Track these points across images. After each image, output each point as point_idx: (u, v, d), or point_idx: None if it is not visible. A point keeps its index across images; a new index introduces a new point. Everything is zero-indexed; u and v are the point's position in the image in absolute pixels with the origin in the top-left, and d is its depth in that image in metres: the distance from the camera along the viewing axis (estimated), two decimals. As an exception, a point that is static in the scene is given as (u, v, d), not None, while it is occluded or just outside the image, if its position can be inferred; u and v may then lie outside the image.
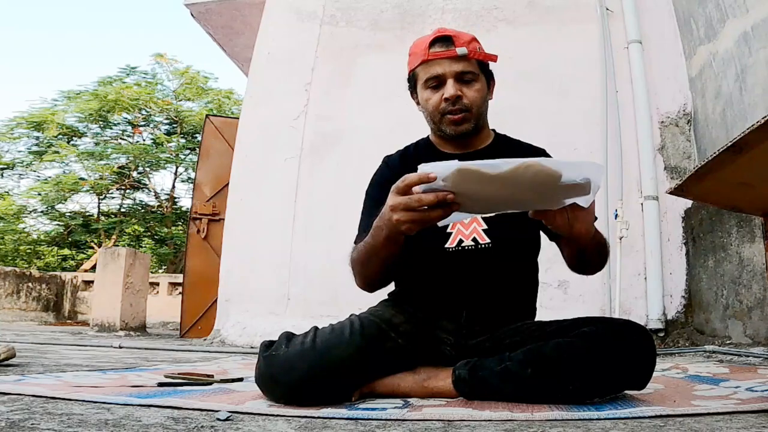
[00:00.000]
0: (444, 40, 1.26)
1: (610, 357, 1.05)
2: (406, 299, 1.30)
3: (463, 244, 1.25)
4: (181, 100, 14.77)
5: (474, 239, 1.24)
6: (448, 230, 1.25)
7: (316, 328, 1.16)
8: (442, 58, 1.24)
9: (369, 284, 1.23)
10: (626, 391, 1.15)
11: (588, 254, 1.15)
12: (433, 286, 1.27)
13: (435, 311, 1.26)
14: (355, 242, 1.25)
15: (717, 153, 0.80)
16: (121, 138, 14.88)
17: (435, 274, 1.27)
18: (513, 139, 1.39)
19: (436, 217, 0.94)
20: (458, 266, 1.24)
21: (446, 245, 1.25)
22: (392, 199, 0.98)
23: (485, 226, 1.25)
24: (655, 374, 1.14)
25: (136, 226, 14.73)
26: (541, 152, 1.38)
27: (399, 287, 1.36)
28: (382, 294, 1.38)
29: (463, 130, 1.27)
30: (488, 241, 1.24)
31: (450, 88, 1.24)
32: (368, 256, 1.14)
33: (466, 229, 1.25)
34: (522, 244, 1.31)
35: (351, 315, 1.24)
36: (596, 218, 1.07)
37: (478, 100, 1.27)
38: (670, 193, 0.96)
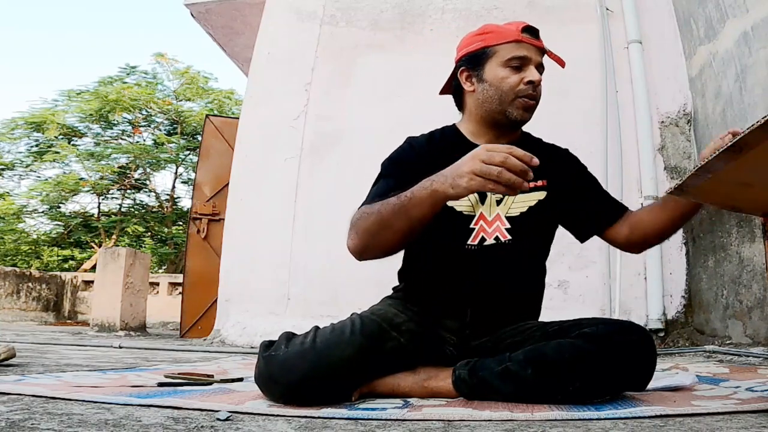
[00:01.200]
0: (533, 30, 1.28)
1: (611, 358, 1.05)
2: (412, 296, 1.29)
3: (484, 243, 1.25)
4: (181, 101, 14.78)
5: (496, 237, 1.25)
6: (471, 226, 1.25)
7: (316, 328, 1.15)
8: (532, 44, 1.25)
9: (373, 248, 1.13)
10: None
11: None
12: (445, 282, 1.26)
13: (440, 310, 1.25)
14: (361, 204, 1.20)
15: (717, 153, 0.79)
16: (121, 138, 14.89)
17: (450, 270, 1.26)
18: (535, 137, 1.41)
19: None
20: (474, 263, 1.24)
21: (468, 242, 1.25)
22: (485, 153, 0.98)
23: (508, 225, 1.26)
24: (655, 374, 1.14)
25: (137, 226, 14.74)
26: (563, 153, 1.40)
27: (407, 282, 1.35)
28: (386, 290, 1.37)
29: (529, 117, 1.28)
30: (509, 237, 1.25)
31: (536, 73, 1.24)
32: (395, 214, 1.07)
33: (489, 227, 1.26)
34: (540, 243, 1.33)
35: (352, 314, 1.22)
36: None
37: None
38: (670, 193, 0.95)
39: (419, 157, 1.30)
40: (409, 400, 1.11)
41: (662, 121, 3.37)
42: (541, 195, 1.29)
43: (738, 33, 2.56)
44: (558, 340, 1.09)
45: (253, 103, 4.01)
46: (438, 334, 1.24)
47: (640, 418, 0.90)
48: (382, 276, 1.46)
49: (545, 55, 1.29)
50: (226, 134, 5.28)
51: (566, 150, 1.41)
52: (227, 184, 4.18)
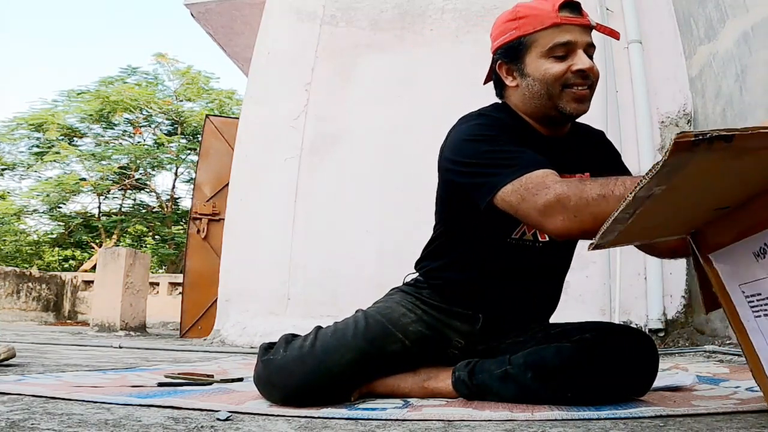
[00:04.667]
0: (574, 5, 1.10)
1: (611, 365, 1.03)
2: (428, 291, 1.21)
3: (524, 237, 1.15)
4: (182, 101, 14.79)
5: (534, 233, 1.15)
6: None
7: (318, 329, 1.14)
8: (575, 24, 1.08)
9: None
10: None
11: None
12: (471, 279, 1.19)
13: (454, 311, 1.19)
14: (509, 179, 0.98)
15: (621, 207, 0.71)
16: (122, 138, 14.91)
17: (481, 266, 1.18)
18: (577, 123, 1.25)
19: None
20: (507, 262, 1.17)
21: (512, 235, 1.14)
22: None
23: None
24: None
25: (139, 226, 14.75)
26: (599, 138, 1.29)
27: (428, 274, 1.25)
28: (385, 290, 1.32)
29: (585, 109, 1.12)
30: (547, 239, 1.16)
31: (585, 59, 1.08)
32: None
33: None
34: (572, 247, 1.26)
35: (357, 311, 1.19)
36: None
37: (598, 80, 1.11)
38: (592, 250, 0.86)
39: (505, 128, 1.12)
40: (409, 400, 1.11)
41: (662, 121, 3.37)
42: None
43: (738, 33, 2.56)
44: (558, 344, 1.07)
45: (253, 103, 4.01)
46: (445, 337, 1.19)
47: (640, 418, 0.90)
48: (382, 276, 1.46)
49: (594, 30, 1.11)
50: (226, 134, 5.28)
51: (602, 133, 1.29)
52: (227, 184, 4.18)
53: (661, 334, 3.02)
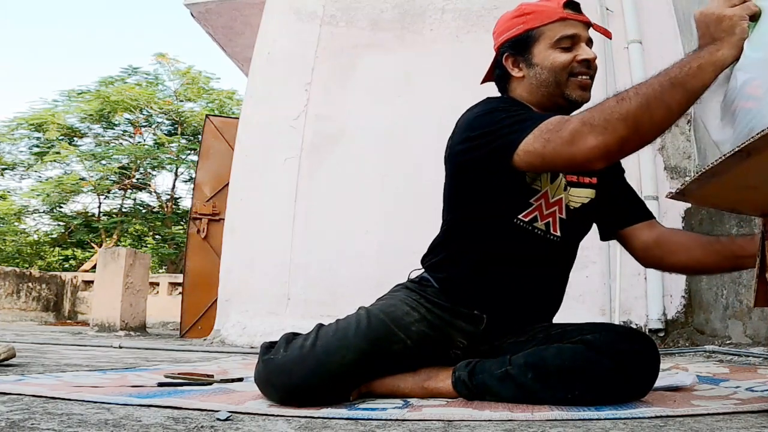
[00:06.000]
0: (575, 4, 1.21)
1: (612, 367, 1.03)
2: (434, 288, 1.21)
3: (535, 224, 1.17)
4: (182, 101, 14.79)
5: (547, 224, 1.18)
6: (531, 201, 1.16)
7: (319, 326, 1.13)
8: (578, 20, 1.20)
9: (635, 137, 0.94)
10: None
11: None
12: (480, 266, 1.19)
13: (458, 310, 1.19)
14: (527, 132, 1.02)
15: (723, 158, 0.76)
16: (122, 138, 14.91)
17: (489, 249, 1.18)
18: None
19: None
20: (515, 248, 1.18)
21: (519, 216, 1.16)
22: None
23: (563, 216, 1.19)
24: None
25: (139, 226, 14.76)
26: None
27: (433, 267, 1.25)
28: (385, 290, 1.31)
29: (588, 97, 1.21)
30: (558, 234, 1.18)
31: (589, 50, 1.19)
32: (670, 90, 0.94)
33: (547, 209, 1.17)
34: (576, 248, 1.28)
35: (360, 308, 1.18)
36: None
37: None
38: (671, 197, 0.91)
39: (520, 105, 1.19)
40: (409, 400, 1.11)
41: (662, 121, 3.37)
42: (592, 193, 1.25)
43: (738, 33, 2.56)
44: (559, 345, 1.07)
45: (253, 103, 4.01)
46: (448, 337, 1.18)
47: (640, 418, 0.90)
48: (382, 276, 1.45)
49: (590, 29, 1.23)
50: (226, 134, 5.28)
51: None
52: (227, 184, 4.19)
53: (661, 334, 3.02)
